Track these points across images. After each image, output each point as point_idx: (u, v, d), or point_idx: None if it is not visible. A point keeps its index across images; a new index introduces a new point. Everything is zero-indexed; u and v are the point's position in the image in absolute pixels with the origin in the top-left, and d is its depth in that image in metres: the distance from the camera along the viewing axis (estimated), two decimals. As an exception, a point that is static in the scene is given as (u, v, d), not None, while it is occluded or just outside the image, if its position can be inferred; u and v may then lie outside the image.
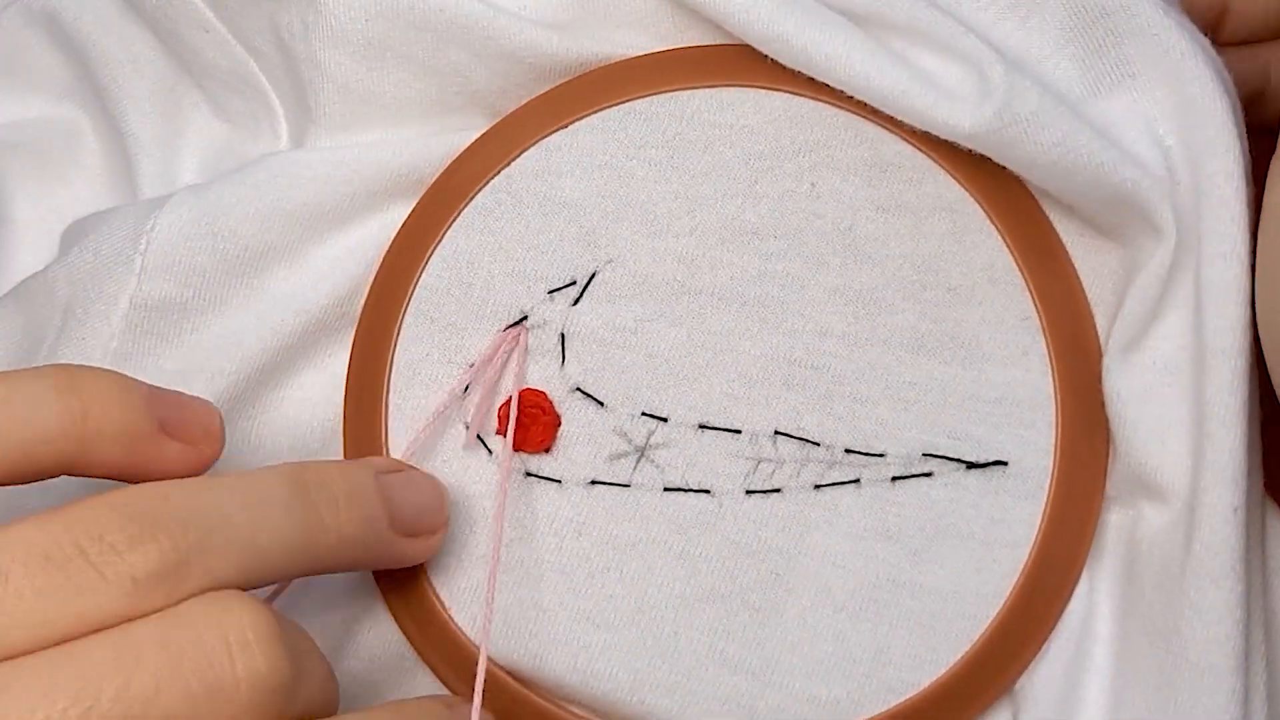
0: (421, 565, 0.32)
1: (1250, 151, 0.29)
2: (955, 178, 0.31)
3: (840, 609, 0.30)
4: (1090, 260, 0.30)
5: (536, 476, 0.32)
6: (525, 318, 0.32)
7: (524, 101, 0.33)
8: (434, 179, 0.33)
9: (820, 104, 0.31)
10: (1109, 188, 0.28)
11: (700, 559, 0.31)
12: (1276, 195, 0.27)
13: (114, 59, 0.38)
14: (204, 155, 0.38)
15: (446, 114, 0.34)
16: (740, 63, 0.32)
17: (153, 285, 0.32)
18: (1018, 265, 0.30)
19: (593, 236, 0.32)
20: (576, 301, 0.32)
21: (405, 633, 0.32)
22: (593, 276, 0.32)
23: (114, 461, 0.25)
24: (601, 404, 0.32)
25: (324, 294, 0.33)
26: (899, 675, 0.29)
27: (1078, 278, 0.30)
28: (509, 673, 0.31)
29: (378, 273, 0.33)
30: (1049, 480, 0.29)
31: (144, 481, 0.25)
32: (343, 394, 0.33)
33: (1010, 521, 0.29)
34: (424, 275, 0.33)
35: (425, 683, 0.32)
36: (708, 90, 0.32)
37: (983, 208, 0.30)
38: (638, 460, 0.31)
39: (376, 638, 0.32)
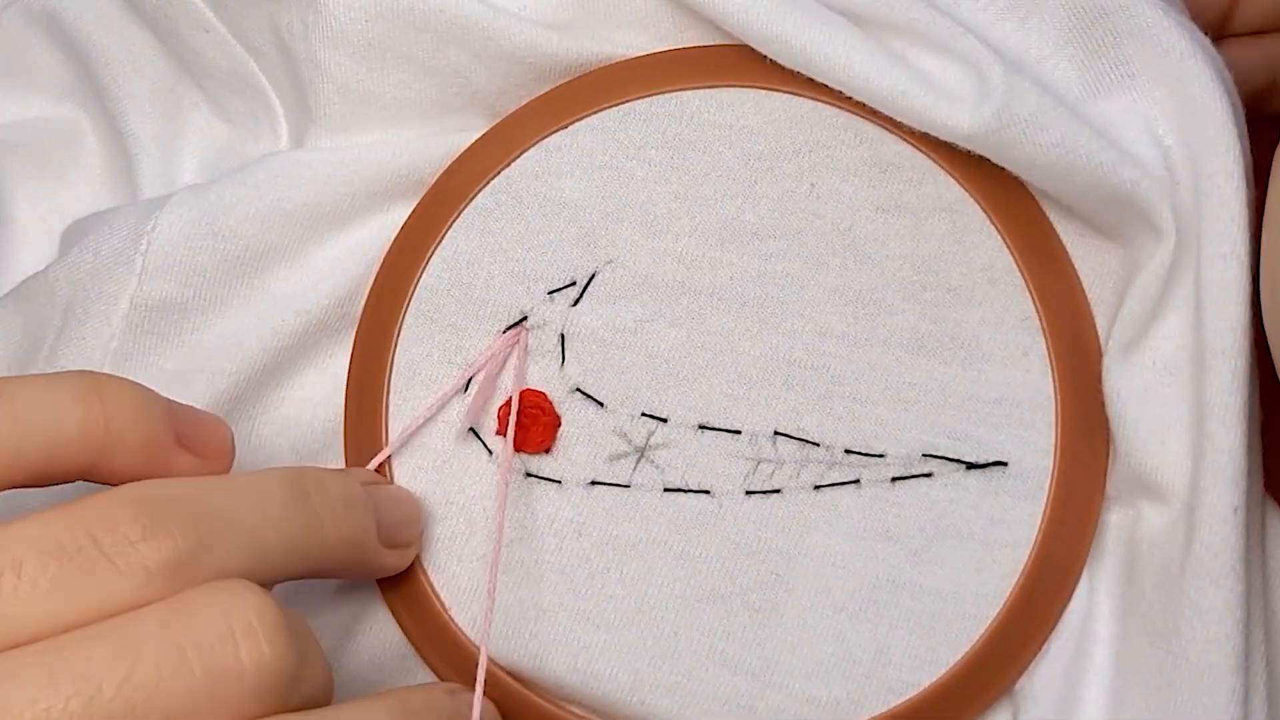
0: (421, 565, 0.32)
1: (1260, 144, 0.29)
2: (955, 178, 0.31)
3: (840, 609, 0.30)
4: (1090, 260, 0.30)
5: (536, 477, 0.32)
6: (525, 318, 0.32)
7: (524, 102, 0.33)
8: (434, 179, 0.33)
9: (820, 104, 0.31)
10: (1108, 188, 0.28)
11: (700, 559, 0.31)
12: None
13: (114, 59, 0.38)
14: (204, 155, 0.38)
15: (446, 114, 0.34)
16: (740, 63, 0.32)
17: (153, 285, 0.32)
18: (1018, 265, 0.30)
19: (592, 237, 0.32)
20: (576, 302, 0.32)
21: (405, 632, 0.32)
22: (592, 277, 0.32)
23: (132, 470, 0.26)
24: (601, 404, 0.32)
25: (324, 294, 0.33)
26: (899, 676, 0.29)
27: (1078, 278, 0.30)
28: (509, 673, 0.31)
29: (378, 273, 0.33)
30: (1049, 480, 0.29)
31: None
32: (343, 394, 0.33)
33: (1010, 522, 0.29)
34: (424, 276, 0.33)
35: (425, 682, 0.32)
36: (707, 91, 0.32)
37: (982, 208, 0.30)
38: (638, 461, 0.31)
39: (376, 637, 0.32)
